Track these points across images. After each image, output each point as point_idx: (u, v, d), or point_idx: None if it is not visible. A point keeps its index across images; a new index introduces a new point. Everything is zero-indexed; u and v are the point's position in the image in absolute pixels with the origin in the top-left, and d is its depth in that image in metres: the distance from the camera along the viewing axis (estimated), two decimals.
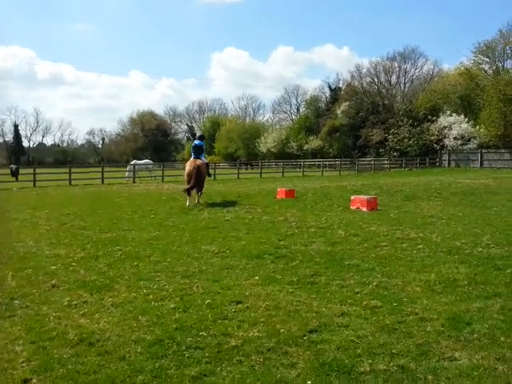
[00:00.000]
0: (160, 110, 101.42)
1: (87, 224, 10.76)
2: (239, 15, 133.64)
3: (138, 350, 3.90)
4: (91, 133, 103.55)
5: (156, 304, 5.03)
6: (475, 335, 4.11)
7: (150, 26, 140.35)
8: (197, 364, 3.64)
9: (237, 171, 35.00)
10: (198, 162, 14.72)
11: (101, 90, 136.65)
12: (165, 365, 3.64)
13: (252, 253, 7.49)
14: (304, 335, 4.17)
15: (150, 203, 15.24)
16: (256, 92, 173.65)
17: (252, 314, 4.69)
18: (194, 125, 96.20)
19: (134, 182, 28.71)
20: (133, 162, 33.06)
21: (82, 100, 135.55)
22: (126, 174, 30.73)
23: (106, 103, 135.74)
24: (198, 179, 14.39)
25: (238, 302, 5.05)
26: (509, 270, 6.16)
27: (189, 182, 14.43)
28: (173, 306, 4.95)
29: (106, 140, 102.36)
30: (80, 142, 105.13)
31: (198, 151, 15.16)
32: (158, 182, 28.74)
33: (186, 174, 14.83)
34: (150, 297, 5.28)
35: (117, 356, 3.81)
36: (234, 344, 3.98)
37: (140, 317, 4.65)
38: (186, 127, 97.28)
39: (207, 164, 15.88)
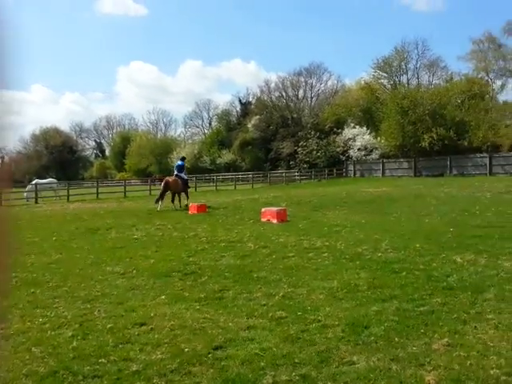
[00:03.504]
0: (66, 126, 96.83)
1: None
2: (145, 28, 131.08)
3: None
4: None
5: (52, 333, 4.72)
6: (372, 338, 4.30)
7: (47, 35, 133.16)
8: None
9: (149, 188, 34.14)
10: (170, 178, 18.56)
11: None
12: None
13: (160, 271, 7.31)
14: (209, 353, 4.11)
15: (52, 225, 14.42)
16: (167, 107, 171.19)
17: (156, 336, 4.55)
18: (102, 141, 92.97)
19: (36, 202, 27.03)
20: (34, 182, 31.16)
21: None
22: (25, 194, 28.80)
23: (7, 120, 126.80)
24: (165, 189, 17.89)
25: (142, 324, 4.88)
26: (404, 273, 6.55)
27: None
28: (71, 333, 4.67)
29: (6, 159, 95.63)
30: None
31: (179, 169, 18.84)
32: (64, 201, 27.30)
33: None
34: (47, 326, 4.95)
35: None
36: (135, 369, 3.82)
37: (33, 348, 4.33)
38: (94, 143, 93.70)
39: (186, 180, 19.20)
